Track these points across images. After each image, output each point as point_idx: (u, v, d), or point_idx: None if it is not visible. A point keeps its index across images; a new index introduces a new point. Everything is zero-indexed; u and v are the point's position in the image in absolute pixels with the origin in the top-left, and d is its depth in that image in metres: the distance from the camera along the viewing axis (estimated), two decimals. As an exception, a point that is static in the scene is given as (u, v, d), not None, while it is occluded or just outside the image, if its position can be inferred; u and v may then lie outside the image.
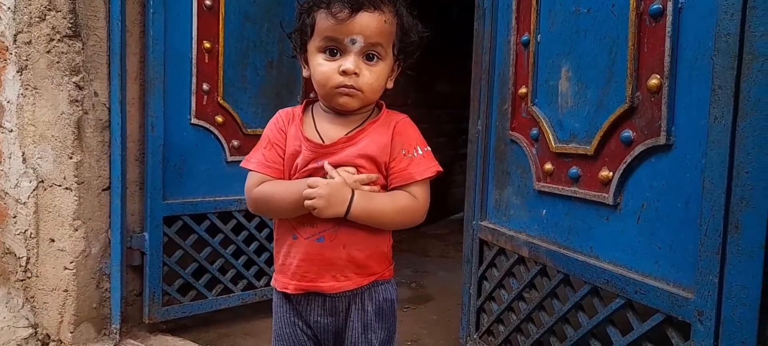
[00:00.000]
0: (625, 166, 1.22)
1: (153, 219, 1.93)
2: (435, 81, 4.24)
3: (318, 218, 1.02)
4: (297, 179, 1.06)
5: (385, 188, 1.08)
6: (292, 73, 2.26)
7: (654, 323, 1.15)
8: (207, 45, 1.99)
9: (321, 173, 1.04)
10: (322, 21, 1.01)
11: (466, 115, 1.81)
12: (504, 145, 1.65)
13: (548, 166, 1.45)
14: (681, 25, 1.10)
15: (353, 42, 1.00)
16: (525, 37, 1.53)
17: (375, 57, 1.03)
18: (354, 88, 1.02)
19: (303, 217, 1.04)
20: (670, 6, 1.11)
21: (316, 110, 1.12)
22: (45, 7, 1.77)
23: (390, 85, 1.11)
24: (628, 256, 1.23)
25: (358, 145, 1.05)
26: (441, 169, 1.09)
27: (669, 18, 1.11)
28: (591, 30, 1.32)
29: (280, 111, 1.14)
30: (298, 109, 1.13)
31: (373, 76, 1.03)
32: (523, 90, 1.55)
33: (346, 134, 1.07)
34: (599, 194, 1.30)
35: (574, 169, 1.37)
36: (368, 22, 1.00)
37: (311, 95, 2.41)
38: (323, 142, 1.06)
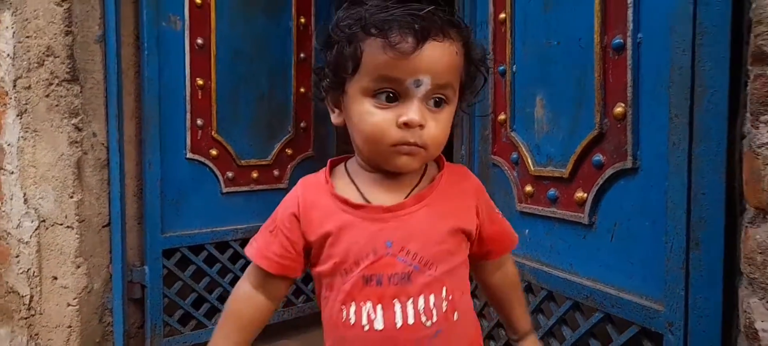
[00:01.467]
0: (597, 188, 1.30)
1: (152, 252, 1.98)
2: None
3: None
4: (359, 275, 0.77)
5: (465, 262, 0.85)
6: (282, 105, 2.33)
7: (630, 335, 1.22)
8: (200, 82, 2.07)
9: (395, 268, 0.76)
10: (376, 55, 0.73)
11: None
12: (487, 168, 1.73)
13: (529, 188, 1.54)
14: (641, 58, 1.19)
15: (418, 84, 0.73)
16: (501, 67, 1.62)
17: (443, 102, 0.77)
18: (417, 145, 0.75)
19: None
20: (629, 41, 1.20)
21: (353, 170, 0.85)
22: (43, 54, 1.85)
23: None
24: (605, 272, 1.31)
25: (434, 207, 0.80)
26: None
27: (629, 52, 1.20)
28: (561, 61, 1.41)
29: (298, 186, 0.85)
30: (322, 175, 0.85)
31: (440, 128, 0.77)
32: (502, 117, 1.63)
33: (412, 193, 0.81)
34: (576, 214, 1.38)
35: (552, 191, 1.45)
36: (439, 56, 0.74)
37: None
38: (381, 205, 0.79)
